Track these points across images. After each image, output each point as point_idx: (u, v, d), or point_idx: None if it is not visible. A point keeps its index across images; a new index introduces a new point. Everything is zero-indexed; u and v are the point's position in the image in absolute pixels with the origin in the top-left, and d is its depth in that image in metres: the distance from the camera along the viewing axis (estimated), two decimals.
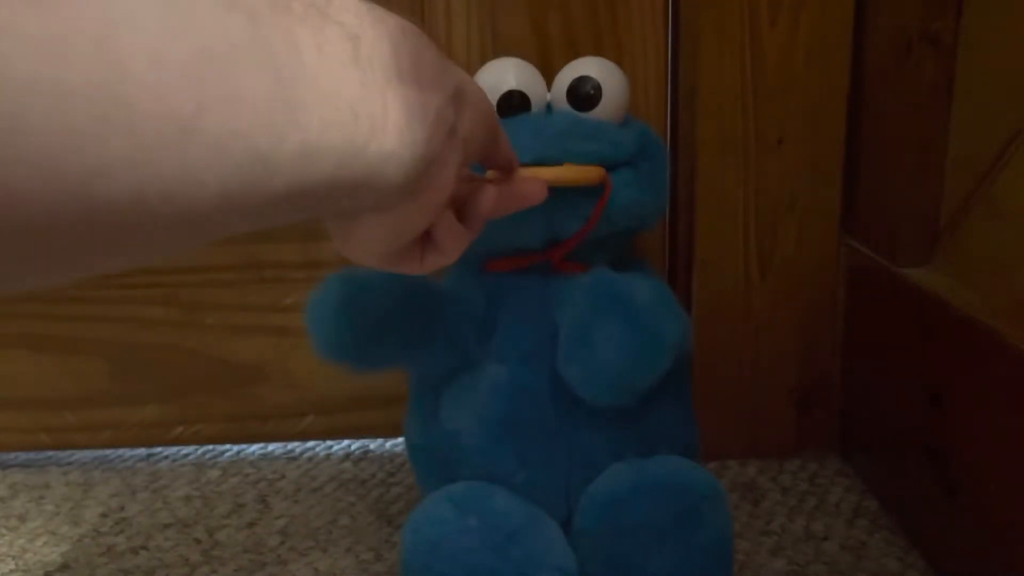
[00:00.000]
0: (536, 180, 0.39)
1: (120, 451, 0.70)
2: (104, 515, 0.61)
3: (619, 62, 0.55)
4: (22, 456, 0.70)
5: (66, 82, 0.15)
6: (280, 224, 0.23)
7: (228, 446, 0.70)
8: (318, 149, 0.21)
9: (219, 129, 0.18)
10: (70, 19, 0.15)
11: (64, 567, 0.55)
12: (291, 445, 0.70)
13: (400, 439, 0.55)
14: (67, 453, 0.70)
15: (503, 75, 0.49)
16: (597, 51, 0.59)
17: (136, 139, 0.16)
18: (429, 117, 0.26)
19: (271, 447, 0.70)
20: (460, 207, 0.35)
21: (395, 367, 0.50)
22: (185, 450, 0.70)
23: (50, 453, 0.70)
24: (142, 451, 0.70)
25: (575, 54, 0.52)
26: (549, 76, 0.50)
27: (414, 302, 0.47)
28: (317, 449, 0.69)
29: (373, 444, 0.70)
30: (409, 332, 0.48)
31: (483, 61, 0.52)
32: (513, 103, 0.48)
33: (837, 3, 0.56)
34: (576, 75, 0.48)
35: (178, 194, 0.18)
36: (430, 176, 0.28)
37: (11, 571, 0.55)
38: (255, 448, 0.70)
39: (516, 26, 0.60)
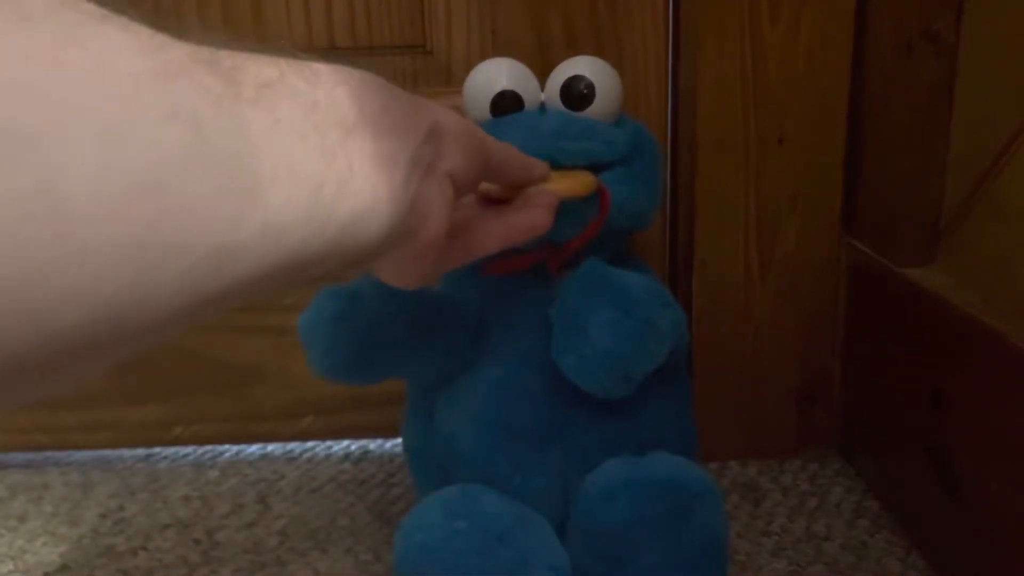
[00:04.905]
0: (543, 208, 0.39)
1: (119, 451, 0.70)
2: (103, 515, 0.61)
3: (619, 62, 0.55)
4: (21, 456, 0.70)
5: (15, 235, 0.16)
6: (267, 295, 0.23)
7: (227, 446, 0.70)
8: (281, 226, 0.22)
9: (173, 236, 0.19)
10: (10, 178, 0.16)
11: (63, 568, 0.55)
12: (291, 445, 0.70)
13: (400, 439, 0.55)
14: (66, 453, 0.70)
15: (495, 75, 0.49)
16: (597, 51, 0.59)
17: (86, 269, 0.17)
18: (401, 163, 0.27)
19: (270, 447, 0.70)
20: (466, 231, 0.36)
21: (392, 377, 0.50)
22: (184, 450, 0.70)
23: (49, 453, 0.69)
24: (141, 451, 0.70)
25: (575, 54, 0.52)
26: (548, 76, 0.50)
27: (408, 313, 0.47)
28: (317, 449, 0.69)
29: (373, 444, 0.70)
30: (404, 344, 0.47)
31: (483, 60, 0.52)
32: (505, 103, 0.48)
33: (838, 3, 0.56)
34: (569, 74, 0.48)
35: (136, 306, 0.18)
36: (418, 215, 0.28)
37: (10, 572, 0.55)
38: (254, 448, 0.70)
39: (516, 26, 0.60)
